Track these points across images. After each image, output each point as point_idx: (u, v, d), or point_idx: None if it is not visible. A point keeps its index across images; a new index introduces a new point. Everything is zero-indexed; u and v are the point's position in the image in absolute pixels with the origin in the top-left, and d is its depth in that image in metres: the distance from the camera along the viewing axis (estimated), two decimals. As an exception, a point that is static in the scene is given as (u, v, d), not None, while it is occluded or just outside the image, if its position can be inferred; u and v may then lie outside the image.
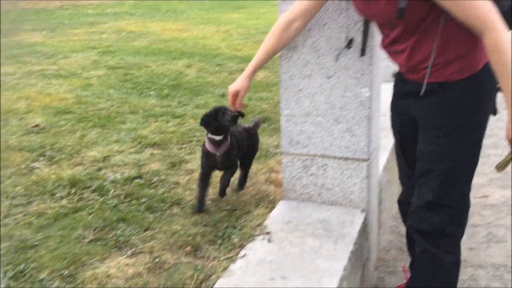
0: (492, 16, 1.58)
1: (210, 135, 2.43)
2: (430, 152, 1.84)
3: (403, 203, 2.17)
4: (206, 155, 2.46)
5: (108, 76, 5.53)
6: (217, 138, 2.41)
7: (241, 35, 8.97)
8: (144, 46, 7.66)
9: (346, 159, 2.27)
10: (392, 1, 1.65)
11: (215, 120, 2.36)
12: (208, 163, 2.47)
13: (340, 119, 2.23)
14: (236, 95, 2.10)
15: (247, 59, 6.89)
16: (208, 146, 2.44)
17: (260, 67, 2.09)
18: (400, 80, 1.96)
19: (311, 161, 2.32)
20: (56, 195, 2.61)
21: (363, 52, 2.08)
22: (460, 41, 1.70)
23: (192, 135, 3.58)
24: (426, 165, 1.86)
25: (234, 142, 2.51)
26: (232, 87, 2.10)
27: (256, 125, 2.79)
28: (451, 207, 1.86)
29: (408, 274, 2.24)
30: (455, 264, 1.95)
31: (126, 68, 5.99)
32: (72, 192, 2.64)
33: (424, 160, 1.87)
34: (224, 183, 2.51)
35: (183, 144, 3.41)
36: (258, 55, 2.06)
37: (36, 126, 3.74)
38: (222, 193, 2.53)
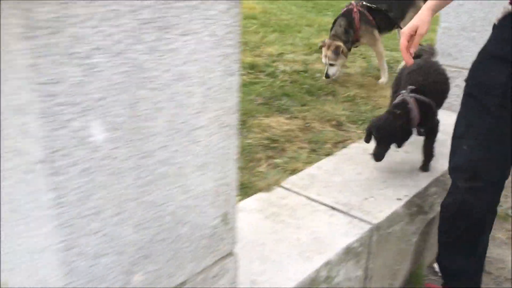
0: None
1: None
2: None
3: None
4: None
5: None
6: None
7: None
8: None
9: (491, 74, 2.46)
10: None
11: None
12: None
13: (494, 36, 2.41)
14: (412, 35, 1.64)
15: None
16: None
17: None
18: None
19: (458, 73, 2.55)
20: (238, 72, 3.25)
21: None
22: None
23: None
24: None
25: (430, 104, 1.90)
26: (408, 26, 1.65)
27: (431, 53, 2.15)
28: None
29: None
30: None
31: None
32: (251, 72, 3.25)
33: None
34: (428, 154, 1.96)
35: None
36: None
37: (228, 24, 4.45)
38: (425, 167, 1.98)
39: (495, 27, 1.62)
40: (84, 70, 0.69)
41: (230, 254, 1.09)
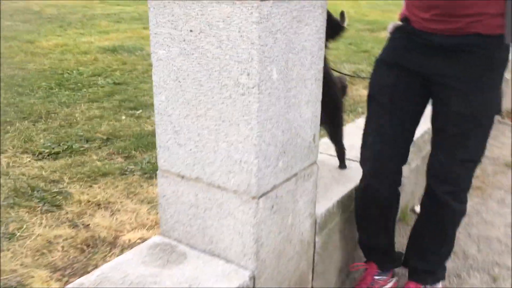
0: None
1: None
2: (473, 112, 1.74)
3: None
4: None
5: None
6: None
7: (369, 4, 9.89)
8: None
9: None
10: None
11: None
12: None
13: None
14: None
15: (373, 23, 7.86)
16: None
17: None
18: (417, 33, 1.81)
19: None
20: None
21: None
22: None
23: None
24: (465, 124, 1.77)
25: None
26: None
27: None
28: (477, 162, 1.87)
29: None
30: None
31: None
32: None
33: (461, 120, 1.77)
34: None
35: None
36: None
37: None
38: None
39: (388, 39, 1.96)
40: (274, 40, 1.39)
41: (315, 162, 1.78)
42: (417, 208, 2.94)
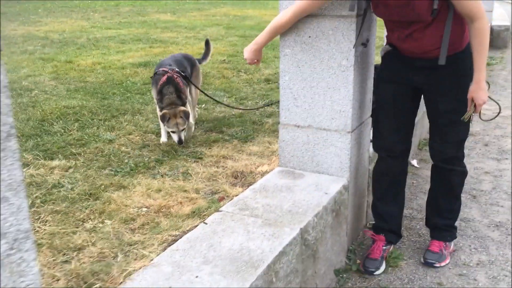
0: (482, 8, 2.15)
1: None
2: (454, 107, 2.38)
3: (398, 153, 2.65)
4: None
5: (244, 39, 7.96)
6: None
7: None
8: (255, 25, 10.07)
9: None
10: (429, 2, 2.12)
11: None
12: None
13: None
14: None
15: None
16: None
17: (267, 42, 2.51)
18: (403, 57, 2.43)
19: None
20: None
21: None
22: (456, 25, 2.24)
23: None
24: (450, 117, 2.41)
25: None
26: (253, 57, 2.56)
27: None
28: (465, 138, 2.54)
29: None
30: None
31: (252, 36, 8.41)
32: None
33: (447, 115, 2.42)
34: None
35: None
36: (268, 32, 2.51)
37: (224, 60, 6.20)
38: None
39: (382, 59, 2.58)
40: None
41: (369, 116, 2.86)
42: (413, 162, 4.09)
